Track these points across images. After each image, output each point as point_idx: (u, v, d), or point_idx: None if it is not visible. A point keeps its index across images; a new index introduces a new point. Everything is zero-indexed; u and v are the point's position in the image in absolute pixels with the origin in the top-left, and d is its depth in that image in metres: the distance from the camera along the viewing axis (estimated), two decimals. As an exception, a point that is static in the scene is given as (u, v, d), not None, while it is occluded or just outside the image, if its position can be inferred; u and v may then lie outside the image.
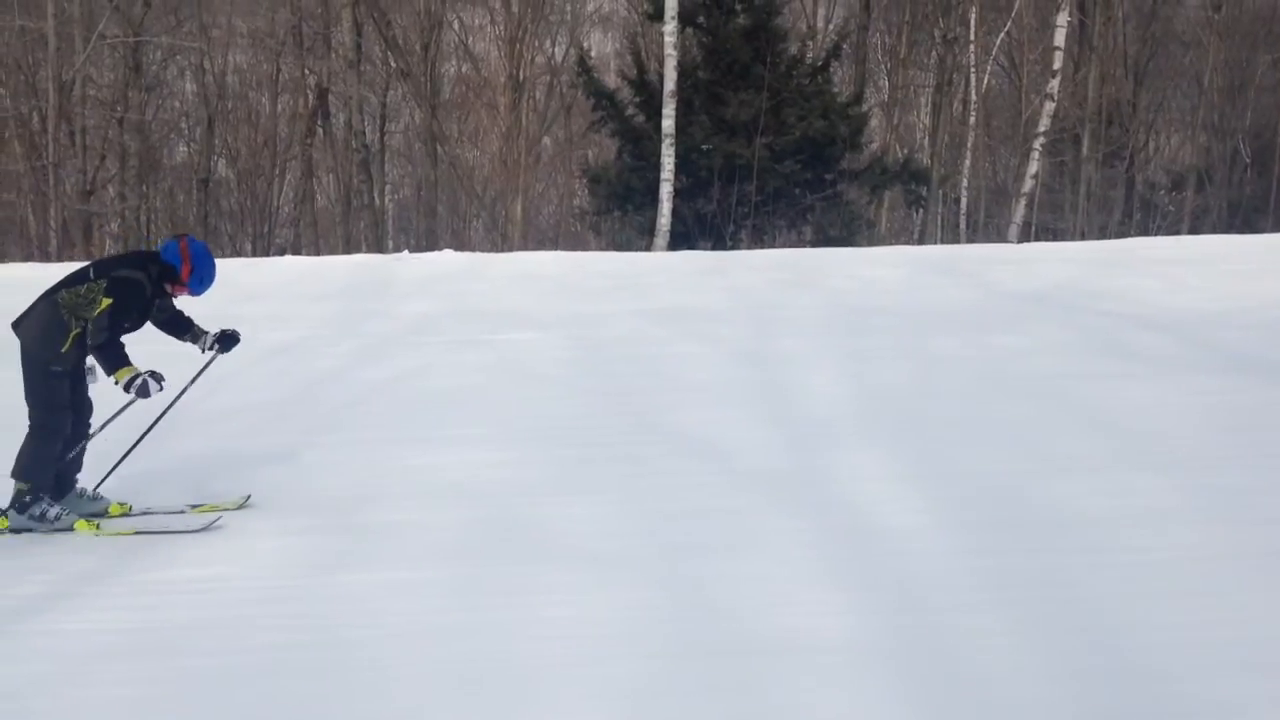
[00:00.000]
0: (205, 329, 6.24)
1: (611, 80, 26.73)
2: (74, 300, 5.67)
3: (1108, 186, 29.97)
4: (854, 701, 3.97)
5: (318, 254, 23.88)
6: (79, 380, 5.89)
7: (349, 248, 26.71)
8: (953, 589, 4.92)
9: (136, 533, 5.89)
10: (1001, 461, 6.71)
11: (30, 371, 5.74)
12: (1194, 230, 27.29)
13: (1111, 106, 29.94)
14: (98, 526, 5.93)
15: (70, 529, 5.87)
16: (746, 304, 12.78)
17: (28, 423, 5.81)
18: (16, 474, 5.80)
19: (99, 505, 6.13)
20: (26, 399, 5.78)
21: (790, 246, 21.09)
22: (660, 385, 9.02)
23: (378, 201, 30.01)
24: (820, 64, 22.72)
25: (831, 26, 31.22)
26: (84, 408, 6.01)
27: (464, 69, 33.63)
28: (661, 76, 20.58)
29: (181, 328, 6.20)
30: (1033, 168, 24.96)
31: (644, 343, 10.73)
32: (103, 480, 6.22)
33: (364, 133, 29.18)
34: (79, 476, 6.13)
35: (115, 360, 5.75)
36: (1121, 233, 26.90)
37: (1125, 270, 14.39)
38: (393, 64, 29.40)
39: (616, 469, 6.78)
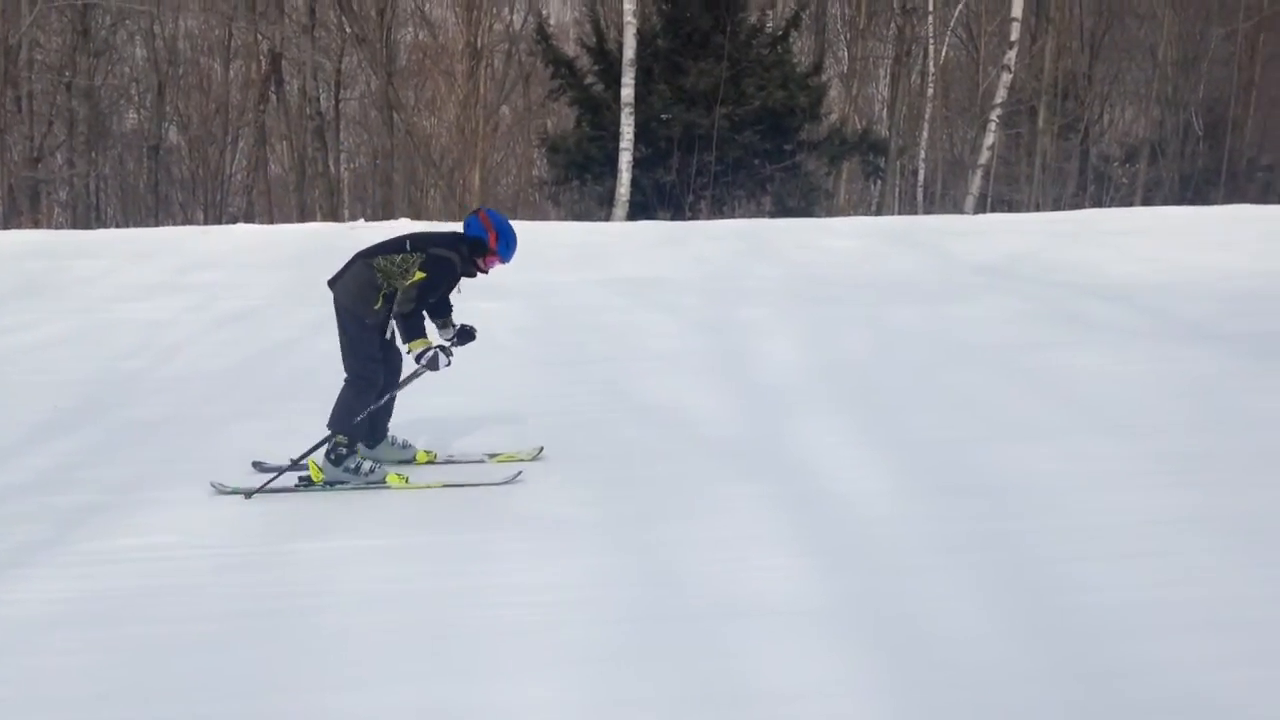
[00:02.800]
0: (455, 322, 6.26)
1: (570, 48, 26.49)
2: (388, 265, 5.84)
3: (1062, 159, 30.17)
4: (815, 663, 3.99)
5: (271, 223, 23.55)
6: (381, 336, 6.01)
7: (303, 216, 26.38)
8: (911, 552, 4.96)
9: (445, 485, 5.95)
10: (957, 428, 6.77)
11: (346, 324, 5.94)
12: (1147, 202, 27.56)
13: (1067, 79, 30.10)
14: (406, 480, 6.00)
15: (382, 482, 5.96)
16: (706, 274, 12.78)
17: (344, 376, 5.98)
18: (333, 425, 5.95)
19: (407, 453, 6.32)
20: (343, 352, 5.98)
21: (749, 217, 21.11)
22: (621, 354, 9.01)
23: (332, 170, 29.63)
24: (780, 34, 22.68)
25: (791, -4, 31.13)
26: (394, 360, 6.13)
27: (421, 35, 33.18)
28: (621, 45, 20.44)
29: (443, 313, 6.22)
30: (989, 139, 25.08)
31: (604, 312, 10.72)
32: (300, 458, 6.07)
33: (318, 100, 28.77)
34: (390, 424, 6.30)
35: (413, 330, 5.94)
36: (1076, 204, 27.14)
37: (1079, 241, 14.54)
38: (348, 29, 28.93)
39: (576, 437, 6.77)
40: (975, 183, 25.31)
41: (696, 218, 20.65)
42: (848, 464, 6.16)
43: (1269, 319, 9.70)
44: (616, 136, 20.29)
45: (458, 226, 6.54)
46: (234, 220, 26.64)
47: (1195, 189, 29.17)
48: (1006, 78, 24.84)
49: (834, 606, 4.46)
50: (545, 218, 24.57)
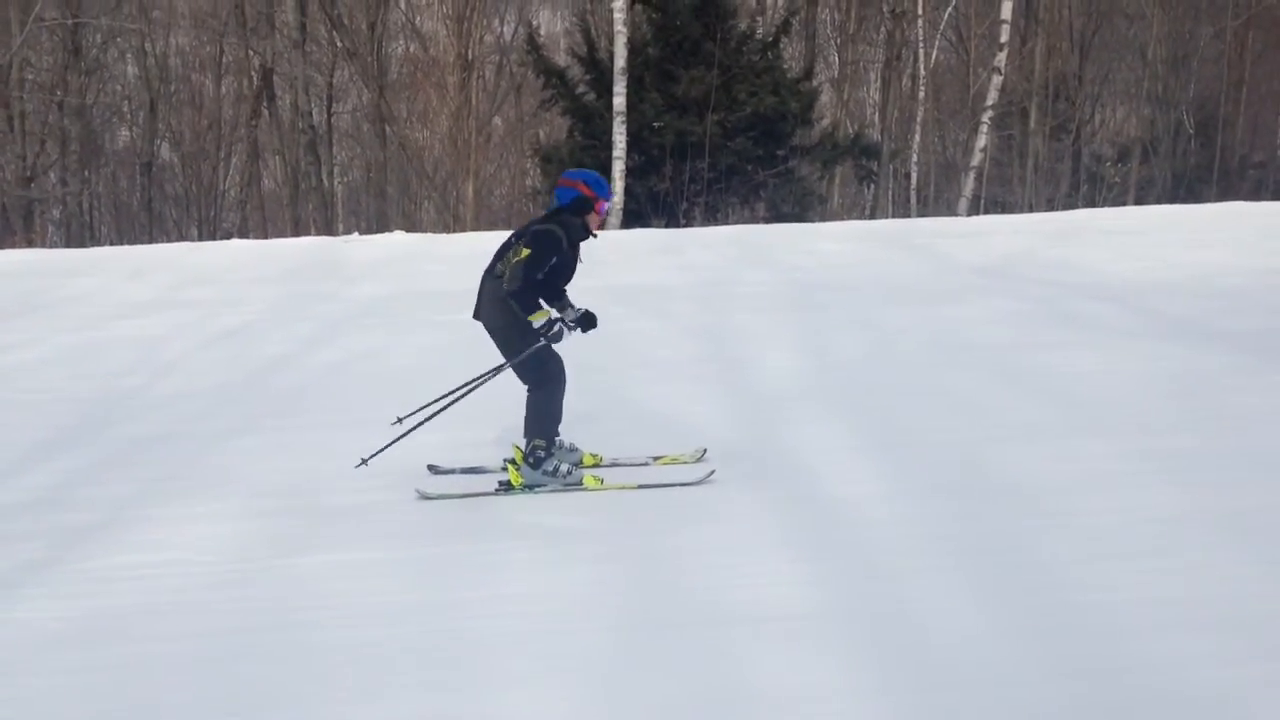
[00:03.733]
0: (573, 304, 6.20)
1: (561, 58, 26.58)
2: (505, 268, 5.90)
3: (1055, 159, 30.26)
4: (816, 668, 3.99)
5: (265, 237, 23.56)
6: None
7: (298, 230, 26.40)
8: (911, 555, 4.96)
9: (639, 487, 5.95)
10: (955, 430, 6.77)
11: (507, 343, 5.97)
12: (1139, 201, 27.62)
13: (1058, 80, 30.20)
14: (602, 481, 6.03)
15: (579, 484, 5.99)
16: (701, 280, 12.79)
17: (525, 388, 6.04)
18: (529, 431, 6.01)
19: (575, 456, 6.30)
20: (517, 372, 6.03)
21: (743, 223, 21.13)
22: (616, 362, 9.01)
23: (326, 183, 29.67)
24: (770, 40, 22.72)
25: (780, 2, 31.19)
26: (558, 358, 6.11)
27: (411, 48, 33.25)
28: (611, 54, 20.48)
29: (558, 297, 6.15)
30: (981, 141, 25.14)
31: (600, 321, 10.69)
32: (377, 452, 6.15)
33: (310, 114, 28.82)
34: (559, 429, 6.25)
35: (529, 305, 5.86)
36: (1069, 204, 27.20)
37: (1073, 241, 14.57)
38: (338, 44, 29.00)
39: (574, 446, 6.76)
40: (968, 185, 25.37)
41: (691, 225, 20.67)
42: (845, 467, 6.17)
43: (1263, 316, 9.72)
44: (609, 145, 20.32)
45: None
46: (228, 236, 26.69)
47: (1188, 187, 29.25)
48: (997, 79, 24.92)
49: (833, 610, 4.46)
50: (539, 228, 24.52)
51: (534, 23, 30.31)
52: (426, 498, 5.92)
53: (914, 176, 27.83)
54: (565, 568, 4.97)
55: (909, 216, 25.79)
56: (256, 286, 12.99)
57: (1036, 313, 10.30)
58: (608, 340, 9.85)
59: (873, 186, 27.75)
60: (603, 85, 21.25)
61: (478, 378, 6.33)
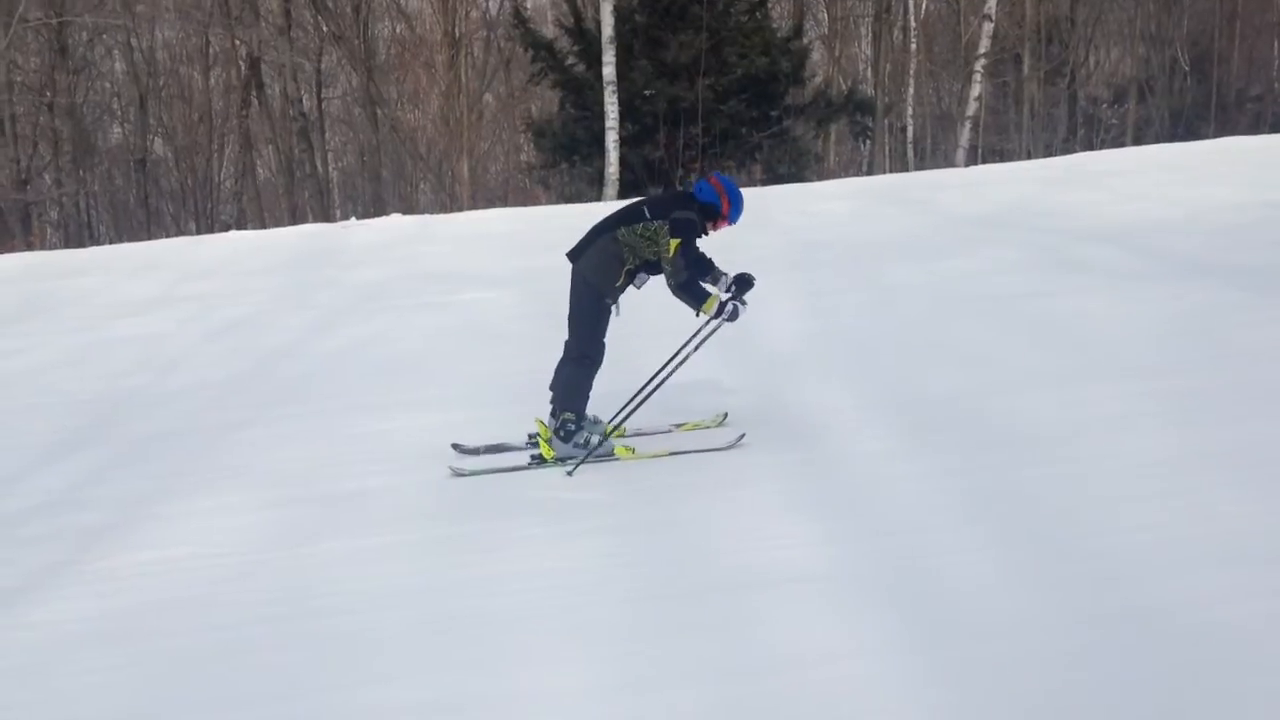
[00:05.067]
0: (724, 270, 6.21)
1: (549, 30, 26.40)
2: (632, 238, 5.91)
3: (1050, 104, 30.08)
4: (835, 629, 4.01)
5: (263, 227, 23.53)
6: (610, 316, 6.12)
7: (295, 219, 26.36)
8: (925, 509, 4.97)
9: (671, 454, 6.00)
10: (963, 382, 6.77)
11: (584, 299, 6.02)
12: (1138, 141, 27.47)
13: (1050, 23, 29.96)
14: (633, 451, 6.07)
15: (610, 454, 6.02)
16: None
17: (566, 352, 6.09)
18: (560, 404, 6.06)
19: (600, 428, 6.30)
20: (572, 329, 6.07)
21: (740, 186, 21.04)
22: (620, 333, 8.97)
23: (320, 170, 29.58)
24: (757, 0, 22.54)
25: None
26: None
27: (398, 29, 33.02)
28: (599, 23, 20.34)
29: (706, 268, 6.19)
30: (975, 90, 24.99)
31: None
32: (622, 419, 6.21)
33: (301, 101, 28.72)
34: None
35: (699, 294, 5.93)
36: (1067, 149, 27.04)
37: (1073, 186, 14.49)
38: (324, 28, 28.83)
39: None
40: (964, 135, 25.23)
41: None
42: (852, 426, 6.17)
43: (1264, 251, 9.66)
44: (601, 116, 20.22)
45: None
46: (226, 228, 26.63)
47: (1186, 125, 29.06)
48: (989, 27, 24.73)
49: (847, 570, 4.47)
50: (536, 202, 24.53)
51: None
52: (460, 474, 5.94)
53: (910, 130, 27.68)
54: (578, 541, 4.99)
55: (906, 170, 25.67)
56: (257, 277, 12.98)
57: (1038, 260, 10.26)
58: (610, 311, 9.87)
59: (869, 142, 27.63)
60: (592, 55, 21.12)
61: (674, 359, 6.31)
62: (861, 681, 3.68)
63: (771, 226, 13.57)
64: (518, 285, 11.24)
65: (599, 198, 20.20)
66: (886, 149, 27.98)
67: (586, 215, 16.34)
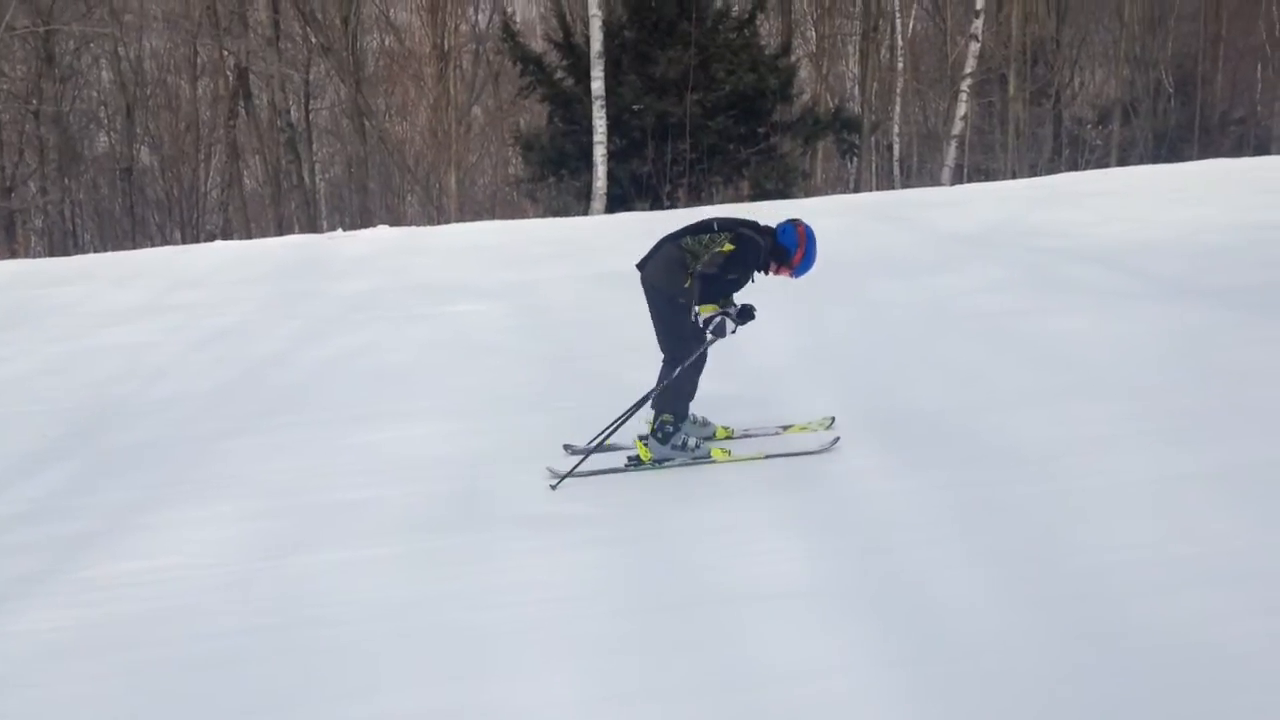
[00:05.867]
0: (735, 301, 6.17)
1: (538, 44, 26.42)
2: (695, 245, 5.88)
3: (1036, 124, 30.27)
4: (823, 645, 4.01)
5: (249, 238, 23.46)
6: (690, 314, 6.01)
7: (281, 229, 26.30)
8: (912, 526, 4.98)
9: (766, 457, 5.97)
10: (951, 399, 6.79)
11: (659, 305, 6.01)
12: (1122, 162, 27.67)
13: (1035, 45, 30.19)
14: (729, 453, 6.03)
15: (707, 457, 6.01)
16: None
17: (664, 359, 6.07)
18: (659, 405, 6.05)
19: (707, 430, 6.34)
20: (660, 336, 6.07)
21: (727, 202, 21.08)
22: (608, 348, 9.00)
23: (307, 181, 29.56)
24: (746, 17, 22.61)
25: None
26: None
27: (387, 41, 33.09)
28: (587, 38, 20.39)
29: (727, 294, 6.11)
30: (961, 110, 25.14)
31: (589, 307, 10.70)
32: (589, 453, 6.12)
33: (289, 112, 28.70)
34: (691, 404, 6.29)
35: (706, 295, 5.90)
36: (1051, 169, 27.22)
37: (1057, 205, 14.58)
38: (313, 39, 28.84)
39: (568, 434, 6.76)
40: (950, 154, 25.36)
41: (675, 207, 20.62)
42: (844, 441, 6.17)
43: (1249, 271, 9.73)
44: (589, 130, 20.25)
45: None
46: (212, 238, 26.54)
47: (1170, 146, 29.29)
48: (975, 47, 24.90)
49: (836, 585, 4.47)
50: (523, 215, 24.53)
51: (509, 10, 30.17)
52: (557, 476, 5.90)
53: (896, 148, 27.83)
54: (566, 555, 4.97)
55: (893, 188, 25.78)
56: (244, 287, 12.93)
57: (1025, 279, 10.30)
58: (596, 325, 9.86)
59: (855, 160, 27.74)
60: (580, 70, 21.16)
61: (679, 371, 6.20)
62: (849, 697, 3.68)
63: (759, 242, 13.58)
64: (505, 298, 11.24)
65: (586, 212, 20.21)
66: (873, 167, 28.13)
67: (574, 227, 16.41)
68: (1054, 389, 6.87)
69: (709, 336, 5.95)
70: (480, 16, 32.67)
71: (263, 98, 29.47)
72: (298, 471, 6.42)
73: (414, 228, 18.72)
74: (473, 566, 4.92)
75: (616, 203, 20.49)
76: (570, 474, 5.87)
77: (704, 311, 5.88)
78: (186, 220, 29.78)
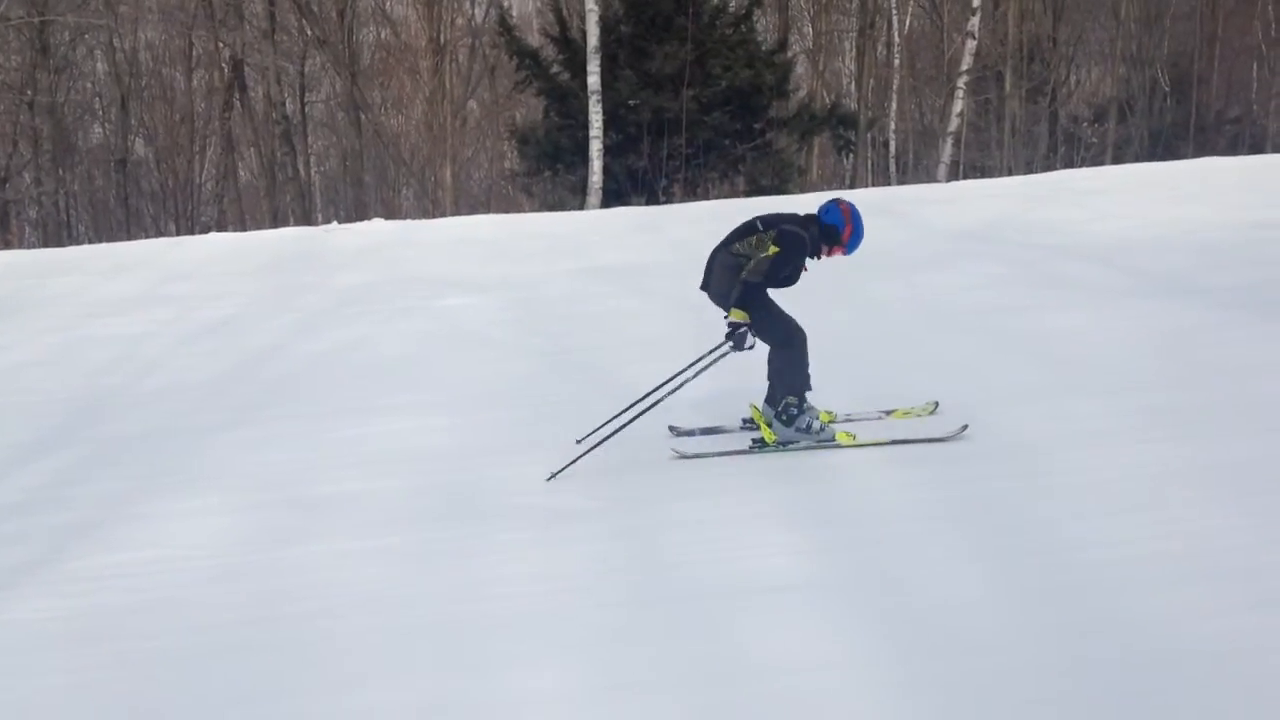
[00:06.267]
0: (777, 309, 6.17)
1: (534, 39, 26.40)
2: (746, 249, 5.93)
3: (1031, 122, 30.26)
4: (817, 638, 4.01)
5: (244, 230, 23.40)
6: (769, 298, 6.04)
7: (276, 222, 26.24)
8: (903, 520, 4.98)
9: (892, 442, 5.95)
10: (945, 394, 6.77)
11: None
12: (1117, 160, 27.66)
13: (1032, 42, 30.18)
14: (854, 437, 6.02)
15: (832, 440, 6.00)
16: (683, 257, 12.71)
17: (769, 348, 6.07)
18: (781, 388, 6.05)
19: (813, 414, 6.22)
20: (760, 337, 6.00)
21: (723, 198, 21.07)
22: (602, 342, 9.00)
23: (302, 173, 29.46)
24: (743, 13, 22.60)
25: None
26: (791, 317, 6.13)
27: (383, 34, 32.99)
28: (584, 33, 20.36)
29: (778, 285, 6.12)
30: (957, 107, 25.12)
31: (584, 301, 10.70)
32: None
33: (284, 104, 28.60)
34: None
35: (743, 300, 5.87)
36: (1047, 166, 27.23)
37: (1053, 203, 14.59)
38: (309, 32, 28.76)
39: (562, 427, 6.75)
40: (946, 150, 25.36)
41: (670, 202, 20.61)
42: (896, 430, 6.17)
43: (1244, 270, 9.74)
44: (585, 125, 20.23)
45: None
46: (206, 230, 26.47)
47: (1165, 145, 29.29)
48: (971, 44, 24.88)
49: (830, 579, 4.47)
50: (519, 209, 24.51)
51: (505, 3, 30.06)
52: (683, 457, 5.95)
53: (892, 144, 27.83)
54: (560, 547, 4.97)
55: (888, 185, 25.78)
56: (237, 280, 12.92)
57: (1021, 275, 10.31)
58: (591, 319, 9.87)
59: (851, 156, 27.72)
60: (577, 64, 21.14)
61: (691, 365, 6.25)
62: (844, 691, 3.68)
63: (754, 238, 13.58)
64: (500, 291, 11.24)
65: (582, 206, 20.20)
66: (869, 163, 28.11)
67: (569, 222, 16.37)
68: (1047, 385, 6.87)
69: (727, 346, 5.95)
70: (477, 10, 32.58)
71: (258, 90, 29.39)
72: (290, 463, 6.41)
73: (409, 221, 18.70)
74: (465, 559, 4.91)
75: (612, 197, 20.48)
76: (565, 468, 5.84)
77: (734, 315, 5.86)
78: (181, 212, 29.71)
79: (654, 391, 6.25)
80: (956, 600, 4.20)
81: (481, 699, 3.78)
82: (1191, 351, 7.36)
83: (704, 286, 6.12)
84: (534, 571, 4.73)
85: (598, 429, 6.18)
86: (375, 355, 9.03)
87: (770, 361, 6.11)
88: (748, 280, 5.85)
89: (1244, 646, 3.74)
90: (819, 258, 6.11)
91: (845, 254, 6.16)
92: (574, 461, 5.87)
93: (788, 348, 6.04)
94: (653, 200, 20.75)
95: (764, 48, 23.07)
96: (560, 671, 3.91)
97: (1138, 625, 3.92)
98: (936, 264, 11.07)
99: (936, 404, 6.49)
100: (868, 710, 3.58)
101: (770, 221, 6.01)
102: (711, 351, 6.17)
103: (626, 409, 6.18)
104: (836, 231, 6.03)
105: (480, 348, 9.02)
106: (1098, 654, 3.76)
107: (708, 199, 20.84)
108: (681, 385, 6.26)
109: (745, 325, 5.88)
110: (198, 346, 9.68)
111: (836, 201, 6.12)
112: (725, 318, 5.93)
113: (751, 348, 5.96)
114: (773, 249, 5.84)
